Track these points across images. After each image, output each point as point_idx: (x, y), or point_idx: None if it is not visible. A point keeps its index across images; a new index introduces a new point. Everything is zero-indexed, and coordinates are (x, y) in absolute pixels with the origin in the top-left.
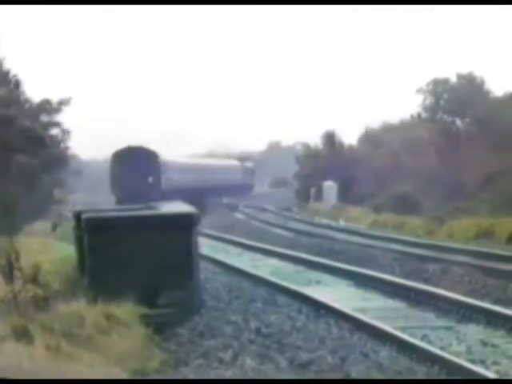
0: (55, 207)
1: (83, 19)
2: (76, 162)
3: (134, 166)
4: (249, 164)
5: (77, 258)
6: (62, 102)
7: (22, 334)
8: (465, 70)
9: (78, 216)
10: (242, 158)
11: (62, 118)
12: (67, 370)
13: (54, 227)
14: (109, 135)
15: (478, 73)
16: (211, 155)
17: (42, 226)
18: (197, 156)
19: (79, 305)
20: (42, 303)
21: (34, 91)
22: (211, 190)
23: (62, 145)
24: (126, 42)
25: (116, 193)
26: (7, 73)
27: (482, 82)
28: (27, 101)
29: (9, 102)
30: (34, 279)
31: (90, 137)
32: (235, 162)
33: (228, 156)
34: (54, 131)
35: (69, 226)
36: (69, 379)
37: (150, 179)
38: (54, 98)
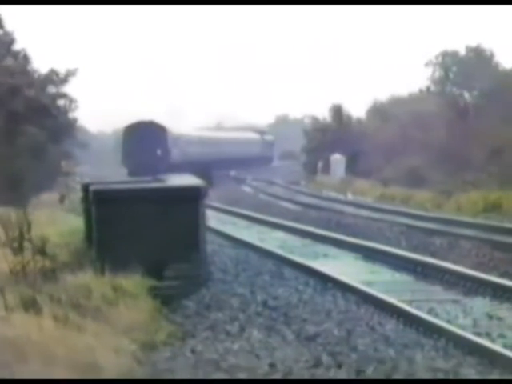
0: (62, 179)
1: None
2: (83, 134)
3: (144, 139)
4: (268, 137)
5: (84, 230)
6: (69, 73)
7: (31, 305)
8: (474, 43)
9: (85, 188)
10: (262, 131)
11: (70, 89)
12: (75, 340)
13: (62, 199)
14: (117, 108)
15: (487, 45)
16: (221, 128)
17: (49, 197)
18: (211, 129)
19: (87, 276)
20: (49, 275)
21: (42, 62)
22: (230, 161)
23: (69, 115)
24: (135, 17)
25: (127, 165)
26: (14, 44)
27: (491, 55)
28: (34, 71)
29: (15, 73)
30: (42, 251)
31: (98, 109)
32: (255, 135)
33: (249, 129)
34: (61, 102)
35: (76, 198)
36: (69, 379)
37: (159, 152)
38: (62, 70)
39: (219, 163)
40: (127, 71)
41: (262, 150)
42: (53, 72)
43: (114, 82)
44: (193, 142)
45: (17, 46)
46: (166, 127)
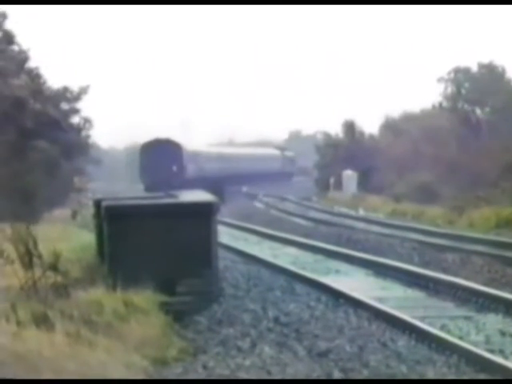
0: (75, 195)
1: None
2: (96, 150)
3: (160, 156)
4: (289, 153)
5: (96, 246)
6: (82, 91)
7: (42, 321)
8: (486, 59)
9: (97, 204)
10: (282, 148)
11: (83, 106)
12: (87, 356)
13: (74, 215)
14: (128, 123)
15: (499, 62)
16: (233, 143)
17: (61, 213)
18: (225, 144)
19: (98, 292)
20: (61, 290)
21: (54, 80)
22: (250, 177)
23: (83, 132)
24: (145, 32)
25: (144, 180)
26: (28, 62)
27: (503, 71)
28: (47, 89)
29: (28, 89)
30: (54, 266)
31: (110, 125)
32: (275, 151)
33: (271, 145)
34: (75, 119)
35: (88, 214)
36: (69, 379)
37: (174, 168)
38: (74, 87)
39: (240, 179)
40: (138, 86)
41: (283, 166)
42: (66, 89)
43: (125, 97)
44: (212, 159)
45: (31, 64)
46: (182, 145)
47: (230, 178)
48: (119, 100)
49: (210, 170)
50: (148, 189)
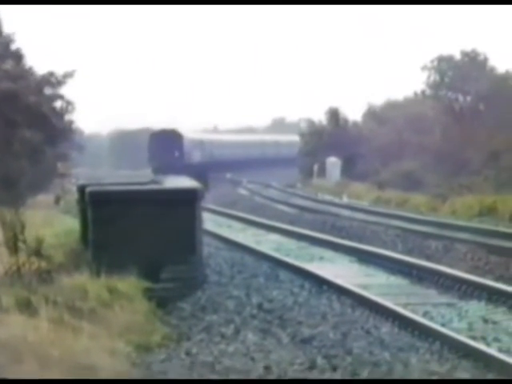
0: (58, 181)
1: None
2: (79, 136)
3: (165, 143)
4: (295, 137)
5: (80, 232)
6: (66, 75)
7: (26, 307)
8: (468, 47)
9: (81, 189)
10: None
11: (67, 91)
12: (71, 342)
13: (58, 200)
14: (112, 110)
15: (482, 49)
16: (217, 130)
17: (45, 199)
18: (212, 131)
19: (82, 278)
20: (45, 276)
21: (38, 64)
22: (261, 161)
23: (65, 117)
24: (130, 22)
25: (152, 164)
26: (10, 45)
27: (486, 59)
28: (31, 73)
29: (13, 76)
30: (37, 252)
31: (94, 111)
32: (284, 137)
33: (290, 132)
34: (58, 104)
35: (72, 200)
36: (69, 379)
37: (176, 154)
38: (59, 71)
39: (250, 163)
40: (123, 73)
41: (289, 151)
42: (50, 73)
43: (110, 84)
44: (222, 145)
45: (13, 46)
46: (183, 134)
47: (241, 162)
48: (104, 86)
49: (221, 156)
50: (155, 171)
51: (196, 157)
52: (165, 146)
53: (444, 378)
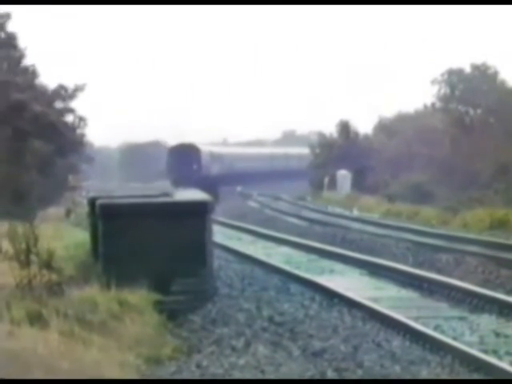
0: (69, 193)
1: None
2: (89, 149)
3: (184, 157)
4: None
5: (91, 244)
6: (77, 89)
7: (37, 319)
8: (479, 60)
9: (92, 202)
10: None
11: (77, 104)
12: (81, 355)
13: (68, 213)
14: (122, 123)
15: (492, 62)
16: (227, 143)
17: (56, 211)
18: (225, 144)
19: (93, 290)
20: (56, 288)
21: (50, 78)
22: (279, 173)
23: (77, 131)
24: (140, 35)
25: (171, 176)
26: (24, 60)
27: (496, 72)
28: (42, 87)
29: (24, 88)
30: (48, 265)
31: (103, 124)
32: (305, 150)
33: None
34: (69, 117)
35: (83, 212)
36: (69, 379)
37: (194, 166)
38: (70, 85)
39: (271, 174)
40: (132, 85)
41: (299, 164)
42: (61, 87)
43: (119, 96)
44: (242, 158)
45: (26, 62)
46: (201, 148)
47: (261, 174)
48: (113, 99)
49: (241, 168)
50: (174, 183)
51: (215, 169)
52: (183, 159)
53: (444, 379)
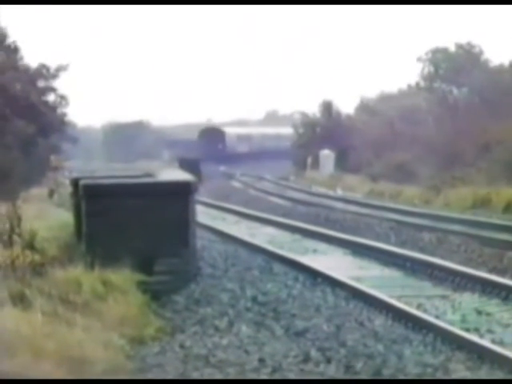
0: (52, 174)
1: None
2: (72, 129)
3: (211, 138)
4: None
5: (74, 225)
6: (60, 68)
7: (20, 300)
8: (463, 40)
9: (75, 182)
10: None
11: (60, 84)
12: (65, 335)
13: (51, 193)
14: (105, 103)
15: (476, 42)
16: (211, 123)
17: (38, 192)
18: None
19: (76, 271)
20: (39, 269)
21: (32, 57)
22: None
23: (58, 110)
24: (121, 14)
25: (200, 154)
26: (5, 38)
27: (481, 52)
28: (24, 66)
29: (5, 68)
30: (31, 245)
31: (87, 105)
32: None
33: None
34: (51, 97)
35: (65, 193)
36: (69, 379)
37: (220, 146)
38: (52, 64)
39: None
40: (116, 66)
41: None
42: (43, 66)
43: (103, 76)
44: (268, 138)
45: (8, 40)
46: (225, 130)
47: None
48: (97, 80)
49: (270, 147)
50: (205, 160)
51: (242, 148)
52: (210, 140)
53: (443, 378)
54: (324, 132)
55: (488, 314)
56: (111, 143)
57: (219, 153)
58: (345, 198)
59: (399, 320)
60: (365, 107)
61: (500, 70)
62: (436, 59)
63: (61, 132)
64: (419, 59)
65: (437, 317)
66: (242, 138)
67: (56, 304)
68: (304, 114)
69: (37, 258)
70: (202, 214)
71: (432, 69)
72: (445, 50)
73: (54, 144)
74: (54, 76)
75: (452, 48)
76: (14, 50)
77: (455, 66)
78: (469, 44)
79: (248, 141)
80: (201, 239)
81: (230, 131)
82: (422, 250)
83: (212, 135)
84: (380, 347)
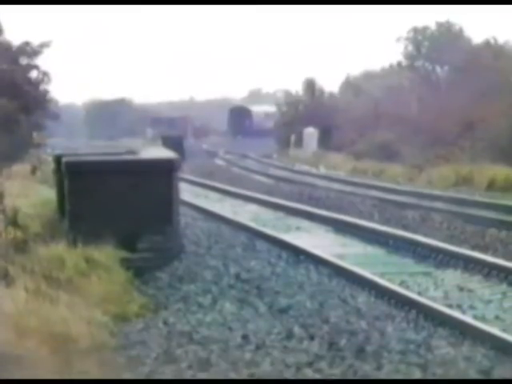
0: (34, 150)
1: None
2: (54, 106)
3: (239, 115)
4: None
5: (57, 202)
6: (42, 45)
7: (3, 276)
8: (443, 18)
9: (58, 160)
10: None
11: (42, 61)
12: (48, 312)
13: (34, 170)
14: (88, 81)
15: (456, 20)
16: (194, 102)
17: (21, 169)
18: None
19: (59, 248)
20: (22, 246)
21: (15, 35)
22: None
23: (41, 87)
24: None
25: (230, 130)
26: None
27: (461, 30)
28: (7, 43)
29: None
30: (13, 222)
31: (70, 82)
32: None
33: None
34: (34, 74)
35: (48, 170)
36: (68, 379)
37: (247, 122)
38: (35, 41)
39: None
40: (98, 45)
41: None
42: (26, 43)
43: (85, 54)
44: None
45: None
46: (250, 109)
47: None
48: (80, 57)
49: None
50: (233, 135)
51: (269, 124)
52: (239, 117)
53: (443, 379)
54: (307, 110)
55: (470, 291)
56: (93, 121)
57: (246, 128)
58: (328, 176)
59: (382, 297)
60: (349, 85)
61: (481, 47)
62: (417, 38)
63: (43, 109)
64: (400, 38)
65: (419, 293)
66: (269, 116)
67: (39, 281)
68: (287, 93)
69: (20, 234)
70: (186, 192)
71: (413, 47)
72: (425, 29)
73: (37, 121)
74: (37, 53)
75: (433, 26)
76: None
77: (436, 45)
78: (448, 22)
79: (273, 118)
80: (184, 217)
81: (258, 109)
82: (404, 227)
83: (240, 113)
84: (363, 324)
